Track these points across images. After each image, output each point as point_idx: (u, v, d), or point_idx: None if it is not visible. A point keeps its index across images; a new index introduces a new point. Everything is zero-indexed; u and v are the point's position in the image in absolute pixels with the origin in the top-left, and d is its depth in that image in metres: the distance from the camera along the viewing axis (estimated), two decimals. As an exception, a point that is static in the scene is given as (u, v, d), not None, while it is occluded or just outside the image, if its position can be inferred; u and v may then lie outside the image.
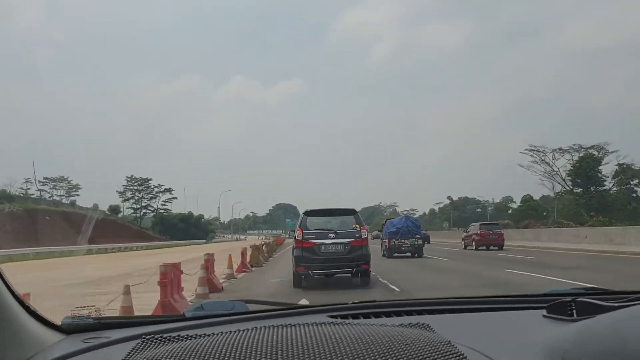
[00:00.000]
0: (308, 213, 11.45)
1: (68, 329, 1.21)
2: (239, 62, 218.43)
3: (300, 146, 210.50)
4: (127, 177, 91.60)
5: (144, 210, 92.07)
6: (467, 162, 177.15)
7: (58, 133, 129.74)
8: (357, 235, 10.90)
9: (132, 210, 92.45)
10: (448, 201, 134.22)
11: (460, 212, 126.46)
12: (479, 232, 27.98)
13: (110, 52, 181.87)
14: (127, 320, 1.29)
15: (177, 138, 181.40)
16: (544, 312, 1.20)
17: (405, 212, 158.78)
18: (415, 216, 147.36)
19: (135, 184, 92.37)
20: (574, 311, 1.12)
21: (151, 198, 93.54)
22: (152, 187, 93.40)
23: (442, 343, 0.90)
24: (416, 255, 21.32)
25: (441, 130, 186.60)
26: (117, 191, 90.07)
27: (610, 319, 0.87)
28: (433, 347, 0.87)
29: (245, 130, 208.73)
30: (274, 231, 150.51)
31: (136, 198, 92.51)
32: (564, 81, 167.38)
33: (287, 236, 40.86)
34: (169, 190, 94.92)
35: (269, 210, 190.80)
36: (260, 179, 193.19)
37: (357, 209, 11.92)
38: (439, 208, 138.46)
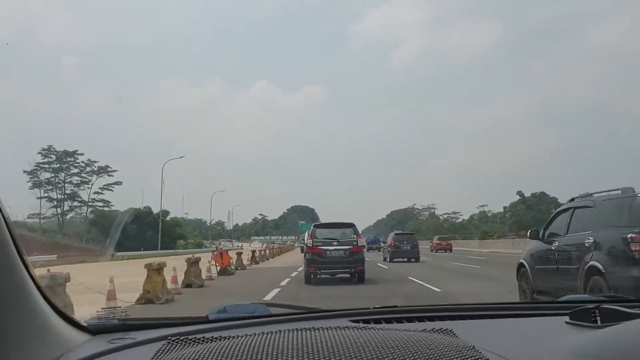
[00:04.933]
0: (317, 226, 14.83)
1: (94, 330, 1.22)
2: (260, 68, 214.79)
3: (326, 149, 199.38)
4: (43, 149, 58.69)
5: (71, 203, 60.46)
6: (506, 164, 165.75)
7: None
8: (354, 243, 13.56)
9: (50, 202, 60.36)
10: (518, 198, 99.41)
11: (535, 212, 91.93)
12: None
13: (133, 59, 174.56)
14: (151, 322, 1.31)
15: (188, 140, 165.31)
16: (567, 318, 1.20)
17: (446, 215, 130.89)
18: (458, 220, 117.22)
19: (55, 160, 58.90)
20: (598, 318, 1.11)
21: (80, 183, 60.28)
22: (82, 165, 60.45)
23: (467, 348, 0.91)
24: (377, 250, 42.16)
25: (477, 131, 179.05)
26: (24, 171, 58.57)
27: (636, 326, 0.89)
28: (458, 352, 0.88)
29: (265, 134, 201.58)
30: (284, 237, 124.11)
31: (54, 182, 59.26)
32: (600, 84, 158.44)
33: (299, 243, 45.88)
34: (105, 169, 61.55)
35: (283, 213, 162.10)
36: (277, 182, 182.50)
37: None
38: (504, 208, 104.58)
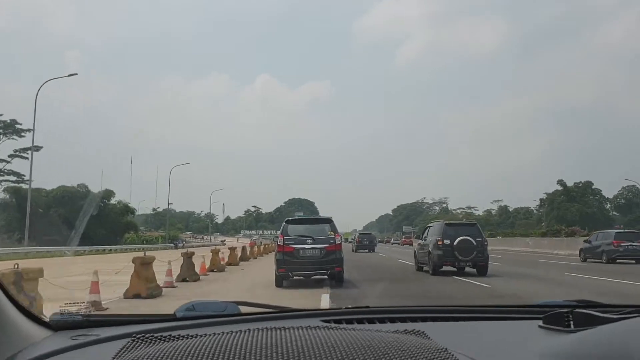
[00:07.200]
0: (289, 221, 12.87)
1: (56, 326, 1.19)
2: (263, 63, 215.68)
3: (329, 143, 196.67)
4: None
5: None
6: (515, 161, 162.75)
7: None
8: (331, 241, 12.16)
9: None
10: (558, 188, 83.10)
11: (581, 204, 75.74)
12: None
13: (138, 54, 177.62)
14: (116, 319, 1.27)
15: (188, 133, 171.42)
16: (540, 322, 1.20)
17: (460, 210, 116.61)
18: (476, 214, 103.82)
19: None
20: (571, 322, 1.12)
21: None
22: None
23: (438, 350, 0.90)
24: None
25: (484, 127, 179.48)
26: None
27: (608, 331, 0.89)
28: (429, 354, 0.87)
29: (266, 127, 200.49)
30: (278, 232, 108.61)
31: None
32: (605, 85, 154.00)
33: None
34: (13, 127, 46.16)
35: (280, 206, 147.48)
36: (275, 175, 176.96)
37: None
38: (540, 200, 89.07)
